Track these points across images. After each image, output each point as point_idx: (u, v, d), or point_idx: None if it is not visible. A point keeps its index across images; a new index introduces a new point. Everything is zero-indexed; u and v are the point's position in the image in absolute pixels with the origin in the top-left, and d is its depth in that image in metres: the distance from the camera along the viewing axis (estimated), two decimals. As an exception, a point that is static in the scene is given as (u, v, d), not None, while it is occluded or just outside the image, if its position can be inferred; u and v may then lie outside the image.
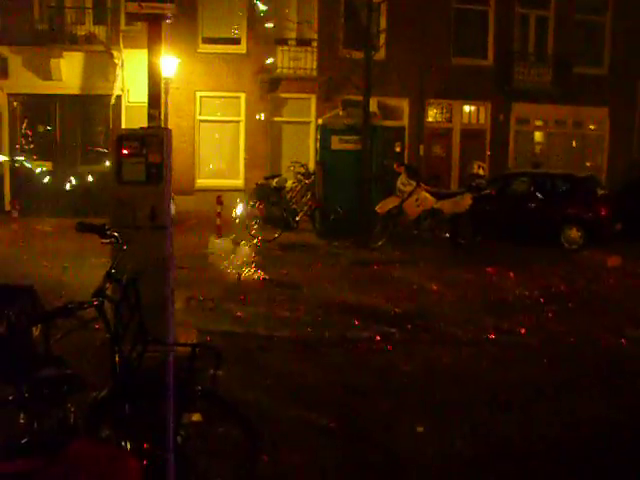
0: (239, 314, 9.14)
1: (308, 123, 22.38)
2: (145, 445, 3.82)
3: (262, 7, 20.14)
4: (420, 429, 5.62)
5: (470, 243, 15.38)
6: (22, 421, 3.27)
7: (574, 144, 24.89)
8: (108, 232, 3.85)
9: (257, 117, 21.76)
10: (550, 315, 9.65)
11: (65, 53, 20.47)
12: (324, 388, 6.50)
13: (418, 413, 5.94)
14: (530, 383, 6.79)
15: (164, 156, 6.47)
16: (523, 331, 8.79)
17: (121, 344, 3.55)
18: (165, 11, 6.65)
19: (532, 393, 6.52)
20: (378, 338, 8.24)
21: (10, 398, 3.35)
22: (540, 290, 11.19)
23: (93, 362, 4.81)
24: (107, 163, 20.70)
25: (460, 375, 7.02)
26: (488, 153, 23.57)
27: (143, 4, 6.61)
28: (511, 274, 12.32)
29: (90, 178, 20.40)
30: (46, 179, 20.66)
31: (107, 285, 3.51)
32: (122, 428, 3.74)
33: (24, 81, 20.64)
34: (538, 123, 24.74)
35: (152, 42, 6.99)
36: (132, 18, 7.13)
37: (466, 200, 15.44)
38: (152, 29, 6.93)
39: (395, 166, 16.20)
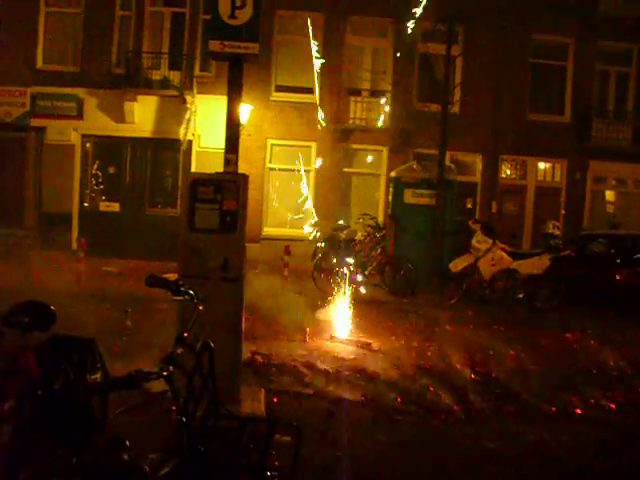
0: (306, 372, 8.64)
1: (379, 175, 22.04)
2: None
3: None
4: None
5: (547, 306, 14.64)
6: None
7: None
8: (182, 289, 3.42)
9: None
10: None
11: (139, 97, 20.70)
12: (401, 464, 5.92)
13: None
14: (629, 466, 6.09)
15: (240, 203, 6.10)
16: (614, 407, 8.07)
17: (190, 418, 3.09)
18: (249, 50, 6.35)
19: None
20: (456, 408, 7.63)
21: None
22: (626, 361, 10.40)
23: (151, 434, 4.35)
24: (175, 208, 20.87)
25: (550, 456, 6.36)
26: (563, 212, 22.79)
27: (226, 42, 6.31)
28: (592, 341, 11.56)
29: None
30: (113, 220, 20.74)
31: (178, 351, 3.06)
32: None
33: (98, 123, 20.95)
34: (615, 182, 23.88)
35: (232, 84, 6.68)
36: (214, 57, 6.83)
37: (544, 261, 14.76)
38: (233, 70, 6.63)
39: (470, 223, 15.63)
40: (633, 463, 6.40)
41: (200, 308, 3.36)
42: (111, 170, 21.64)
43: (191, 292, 3.43)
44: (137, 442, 3.38)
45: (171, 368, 2.91)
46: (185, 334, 3.14)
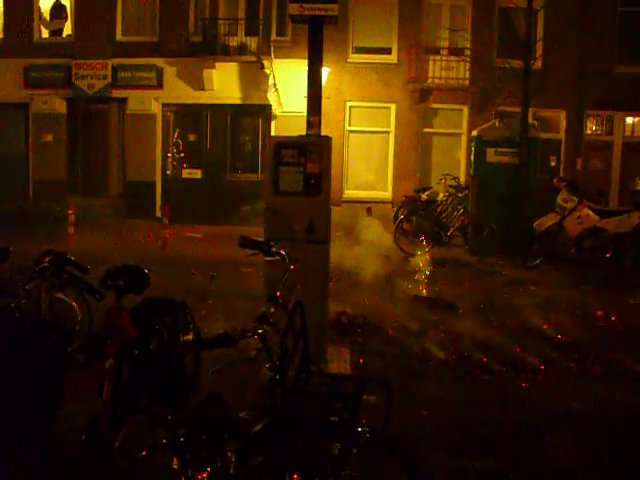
0: (390, 333, 8.68)
1: (459, 135, 21.72)
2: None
3: None
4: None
5: (636, 265, 14.22)
6: (175, 467, 2.91)
7: None
8: (273, 249, 3.47)
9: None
10: None
11: (217, 64, 20.85)
12: (489, 425, 5.89)
13: (599, 461, 5.25)
14: None
15: (323, 166, 6.12)
16: None
17: (283, 376, 3.15)
18: (328, 12, 6.31)
19: None
20: (543, 368, 7.55)
21: (164, 441, 3.01)
22: None
23: (242, 391, 4.44)
24: (256, 173, 21.07)
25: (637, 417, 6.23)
26: (653, 168, 22.02)
27: (305, 5, 6.29)
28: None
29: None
30: (195, 187, 21.10)
31: (272, 310, 3.11)
32: (276, 466, 3.34)
33: (178, 91, 21.25)
34: None
35: (313, 46, 6.66)
36: (294, 21, 6.81)
37: (633, 219, 14.28)
38: (313, 32, 6.60)
39: (555, 181, 15.23)
40: None
41: (292, 268, 3.41)
42: (192, 138, 21.93)
43: (282, 252, 3.48)
44: (231, 400, 3.48)
45: (265, 326, 2.98)
46: (277, 293, 3.19)
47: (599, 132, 22.41)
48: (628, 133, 22.43)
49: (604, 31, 21.31)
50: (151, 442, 3.29)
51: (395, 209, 18.41)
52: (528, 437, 5.67)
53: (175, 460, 2.92)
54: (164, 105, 21.71)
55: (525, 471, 5.09)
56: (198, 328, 4.25)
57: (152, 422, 3.52)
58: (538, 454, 5.35)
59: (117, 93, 21.46)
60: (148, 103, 21.49)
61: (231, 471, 2.97)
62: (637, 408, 6.50)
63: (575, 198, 14.45)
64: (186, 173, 21.74)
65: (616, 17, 21.65)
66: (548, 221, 14.52)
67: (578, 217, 14.37)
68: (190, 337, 4.08)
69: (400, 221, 16.41)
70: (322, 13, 6.39)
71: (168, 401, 3.77)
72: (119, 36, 21.65)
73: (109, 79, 21.33)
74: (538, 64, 18.49)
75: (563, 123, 22.01)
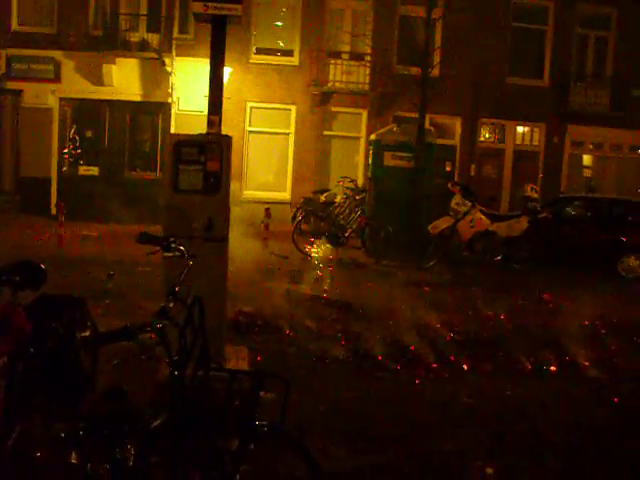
0: (288, 332, 8.77)
1: (358, 138, 22.08)
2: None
3: None
4: (490, 471, 5.17)
5: (524, 268, 14.85)
6: (74, 461, 2.90)
7: (629, 169, 24.12)
8: (173, 245, 3.50)
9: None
10: (614, 348, 9.11)
11: (118, 59, 20.49)
12: (382, 421, 6.07)
13: (485, 452, 5.49)
14: (601, 425, 6.29)
15: (223, 164, 6.16)
16: (587, 364, 8.27)
17: (182, 371, 3.19)
18: (232, 12, 6.35)
19: (604, 435, 6.03)
20: (435, 366, 7.81)
21: (62, 435, 2.99)
22: (600, 320, 10.63)
23: (139, 387, 4.44)
24: (155, 171, 20.80)
25: (526, 412, 6.54)
26: (541, 175, 22.99)
27: (209, 4, 6.31)
28: (568, 302, 11.76)
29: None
30: (92, 184, 20.65)
31: (171, 305, 3.14)
32: (175, 460, 3.37)
33: (76, 85, 20.74)
34: (593, 146, 24.05)
35: (215, 45, 6.68)
36: (197, 19, 6.81)
37: (522, 223, 14.95)
38: (216, 31, 6.63)
39: (449, 185, 15.75)
40: (596, 412, 6.61)
41: (190, 263, 3.45)
42: (89, 134, 21.45)
43: (181, 248, 3.51)
44: (131, 395, 3.49)
45: (164, 321, 3.01)
46: (176, 288, 3.23)
47: (492, 140, 23.27)
48: (519, 141, 23.39)
49: (498, 44, 22.16)
50: (48, 438, 3.26)
51: (294, 210, 18.54)
52: (421, 432, 5.87)
53: (74, 454, 2.91)
54: (61, 99, 21.11)
55: (419, 465, 5.27)
56: (95, 325, 4.21)
57: (49, 419, 3.48)
58: (431, 448, 5.54)
59: (11, 85, 20.76)
60: (44, 97, 20.85)
61: (130, 464, 2.98)
62: (523, 401, 6.83)
63: (468, 202, 14.97)
64: (83, 170, 21.25)
65: (509, 32, 22.52)
66: (442, 224, 14.98)
67: (471, 221, 14.90)
68: (87, 334, 4.03)
69: (298, 222, 16.57)
70: (226, 12, 6.42)
71: (65, 398, 3.73)
72: (15, 26, 20.91)
73: (3, 70, 20.61)
74: (436, 72, 19.00)
75: (458, 130, 22.72)
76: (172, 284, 3.28)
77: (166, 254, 3.54)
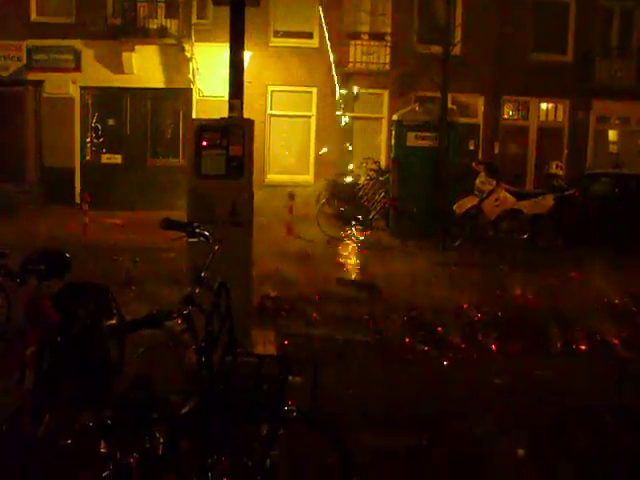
0: (314, 316, 8.74)
1: (380, 119, 21.92)
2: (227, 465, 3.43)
3: None
4: (521, 452, 5.12)
5: (551, 246, 14.68)
6: (103, 450, 2.88)
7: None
8: (197, 230, 3.46)
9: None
10: (643, 325, 9.00)
11: (137, 47, 20.47)
12: (411, 404, 6.03)
13: (516, 434, 5.43)
14: (633, 405, 6.19)
15: (246, 149, 6.11)
16: (617, 343, 8.17)
17: (210, 357, 3.15)
18: (251, -6, 6.30)
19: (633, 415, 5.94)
20: (463, 346, 7.74)
21: (90, 424, 2.97)
22: (631, 298, 10.49)
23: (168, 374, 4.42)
24: (177, 157, 20.83)
25: (559, 391, 6.46)
26: (566, 152, 22.70)
27: (228, -13, 6.26)
28: (597, 280, 11.59)
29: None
30: (115, 172, 20.73)
31: (197, 291, 3.11)
32: (204, 447, 3.35)
33: (96, 74, 20.74)
34: (619, 121, 23.70)
35: (234, 29, 6.62)
36: (215, 2, 6.75)
37: (548, 201, 14.77)
38: (235, 15, 6.56)
39: (474, 164, 15.60)
40: (629, 392, 6.50)
41: (216, 248, 3.41)
42: (111, 122, 21.50)
43: (206, 233, 3.47)
44: (159, 383, 3.46)
45: (190, 307, 2.97)
46: (202, 274, 3.19)
47: (515, 117, 23.00)
48: (543, 118, 23.10)
49: (520, 20, 21.80)
50: (77, 428, 3.24)
51: (317, 193, 18.47)
52: (450, 414, 5.82)
53: (102, 443, 2.90)
54: (82, 88, 21.15)
55: (449, 448, 5.22)
56: (121, 312, 4.20)
57: (77, 408, 3.48)
58: (461, 430, 5.49)
59: (33, 76, 20.79)
60: (66, 86, 20.90)
61: (159, 453, 2.96)
62: (552, 382, 6.74)
63: (493, 181, 14.83)
64: (105, 158, 21.33)
65: (531, 6, 22.17)
66: (467, 204, 14.86)
67: (496, 200, 14.76)
68: (114, 322, 4.03)
69: (322, 205, 16.51)
70: (244, -5, 6.37)
71: (92, 387, 3.73)
72: (34, 16, 20.92)
73: (24, 61, 20.66)
74: (457, 50, 18.77)
75: (481, 108, 22.47)
76: (198, 270, 3.24)
77: (191, 239, 3.51)
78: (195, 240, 3.50)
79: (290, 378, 3.51)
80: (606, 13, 22.81)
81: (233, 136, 6.07)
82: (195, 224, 3.52)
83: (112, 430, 2.83)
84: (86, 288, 4.22)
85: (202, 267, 3.25)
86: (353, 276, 11.12)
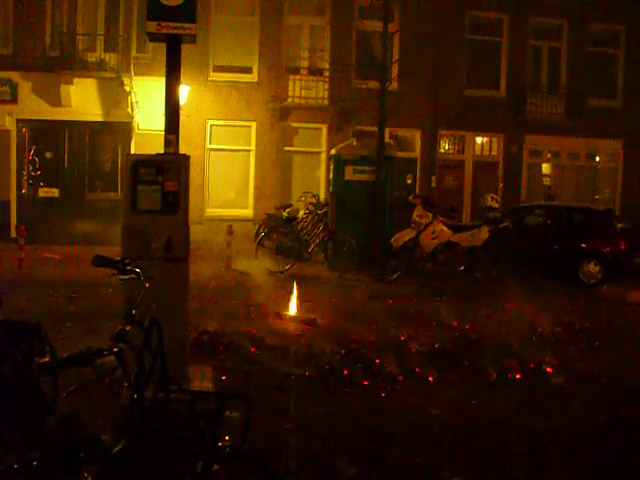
0: (253, 350, 8.74)
1: (319, 153, 22.13)
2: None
3: None
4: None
5: (487, 277, 14.99)
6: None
7: (586, 176, 24.53)
8: (128, 267, 3.48)
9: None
10: (576, 354, 9.24)
11: (75, 79, 20.31)
12: (350, 434, 6.08)
13: (453, 464, 5.51)
14: (566, 429, 6.35)
15: (181, 184, 6.14)
16: (550, 371, 8.37)
17: (142, 394, 3.16)
18: (186, 31, 6.35)
19: (571, 441, 6.09)
20: (401, 378, 7.83)
21: (15, 467, 2.93)
22: (562, 327, 10.79)
23: (101, 412, 4.39)
24: (116, 191, 20.64)
25: (493, 420, 6.59)
26: (501, 185, 23.25)
27: (163, 23, 6.30)
28: (531, 310, 11.89)
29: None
30: (52, 206, 20.43)
31: (127, 328, 3.12)
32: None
33: (33, 107, 20.49)
34: (551, 155, 24.41)
35: (170, 64, 6.66)
36: (151, 39, 6.79)
37: (483, 233, 15.09)
38: (171, 51, 6.61)
39: (411, 198, 15.88)
40: (561, 418, 6.67)
41: (147, 285, 3.42)
42: (49, 155, 21.21)
43: (137, 270, 3.48)
44: (90, 421, 3.45)
45: (121, 345, 2.98)
46: (133, 311, 3.20)
47: (452, 151, 23.49)
48: (478, 152, 23.65)
49: (455, 56, 22.42)
50: (1, 469, 3.19)
51: (256, 226, 18.51)
52: (389, 445, 5.88)
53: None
54: (19, 121, 20.82)
55: (387, 476, 5.28)
56: (54, 350, 4.16)
57: (4, 449, 3.43)
58: (399, 461, 5.55)
59: (-33, 107, 20.48)
60: (2, 119, 20.58)
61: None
62: (488, 410, 6.87)
63: (430, 214, 15.09)
64: (43, 192, 21.00)
65: (465, 44, 22.80)
66: (405, 236, 15.08)
67: (433, 232, 15.02)
68: (46, 359, 3.99)
69: (261, 238, 16.55)
70: (180, 32, 6.41)
71: (23, 426, 3.68)
72: (-31, 47, 20.68)
73: (-42, 92, 20.35)
74: (394, 85, 19.17)
75: (418, 142, 22.89)
76: (129, 307, 3.26)
77: (122, 277, 3.52)
78: (126, 277, 3.51)
79: (227, 413, 3.52)
80: (536, 51, 23.60)
81: (169, 172, 6.10)
82: (127, 261, 3.53)
83: (39, 472, 2.80)
84: (17, 326, 4.17)
85: (133, 304, 3.27)
86: (292, 310, 11.14)
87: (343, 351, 8.80)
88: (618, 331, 10.97)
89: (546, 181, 24.39)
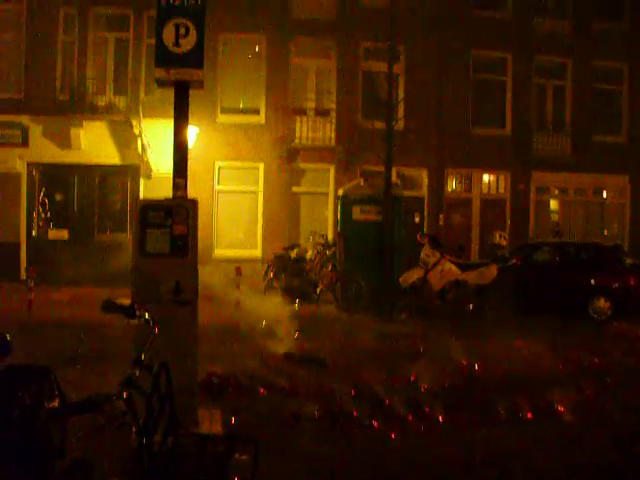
0: (262, 391, 8.72)
1: (326, 194, 22.23)
2: None
3: None
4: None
5: (496, 315, 14.93)
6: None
7: (594, 212, 24.56)
8: (138, 312, 3.52)
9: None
10: (588, 392, 9.16)
11: (85, 122, 20.61)
12: (359, 476, 6.05)
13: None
14: (580, 468, 6.29)
15: (190, 228, 6.21)
16: (562, 409, 8.31)
17: (151, 438, 3.18)
18: (194, 77, 6.47)
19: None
20: (411, 418, 7.79)
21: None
22: (574, 364, 10.72)
23: (109, 456, 4.39)
24: (125, 233, 20.74)
25: (505, 462, 6.53)
26: (509, 222, 23.28)
27: (171, 70, 6.43)
28: (541, 347, 11.83)
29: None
30: (62, 248, 20.54)
31: (136, 373, 3.15)
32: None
33: (44, 150, 20.75)
34: (558, 192, 24.47)
35: (178, 109, 6.78)
36: (160, 85, 6.92)
37: (491, 271, 15.09)
38: (179, 96, 6.73)
39: (418, 237, 15.93)
40: (574, 458, 6.60)
41: (156, 330, 3.46)
42: (59, 197, 21.42)
43: (146, 316, 3.52)
44: (98, 465, 3.46)
45: (130, 390, 3.01)
46: (142, 356, 3.23)
47: (459, 189, 23.58)
48: (485, 190, 23.72)
49: (460, 95, 22.63)
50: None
51: (265, 267, 18.55)
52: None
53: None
54: (29, 164, 21.08)
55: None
56: (63, 394, 4.18)
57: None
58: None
59: (-21, 151, 20.71)
60: (12, 162, 20.83)
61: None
62: (498, 450, 6.82)
63: (437, 253, 15.12)
64: (52, 234, 21.15)
65: (470, 83, 23.02)
66: (413, 276, 15.09)
67: (441, 271, 15.02)
68: (55, 404, 4.01)
69: (270, 279, 16.58)
70: (187, 78, 6.54)
71: (32, 471, 3.69)
72: (-19, 91, 21.00)
73: (-31, 136, 20.59)
74: (400, 125, 19.34)
75: (425, 181, 22.99)
76: (138, 352, 3.29)
77: (131, 322, 3.56)
78: (136, 322, 3.55)
79: (236, 456, 3.54)
80: (540, 89, 23.80)
81: (177, 216, 6.18)
82: (135, 306, 3.57)
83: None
84: (27, 370, 4.20)
85: (142, 349, 3.30)
86: (301, 350, 11.12)
87: (352, 391, 8.77)
88: (630, 368, 10.88)
89: (554, 217, 24.43)
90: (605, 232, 24.12)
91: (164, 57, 6.55)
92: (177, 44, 6.45)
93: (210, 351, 10.21)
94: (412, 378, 9.58)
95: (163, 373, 3.31)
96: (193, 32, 6.48)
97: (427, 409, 8.11)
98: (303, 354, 10.91)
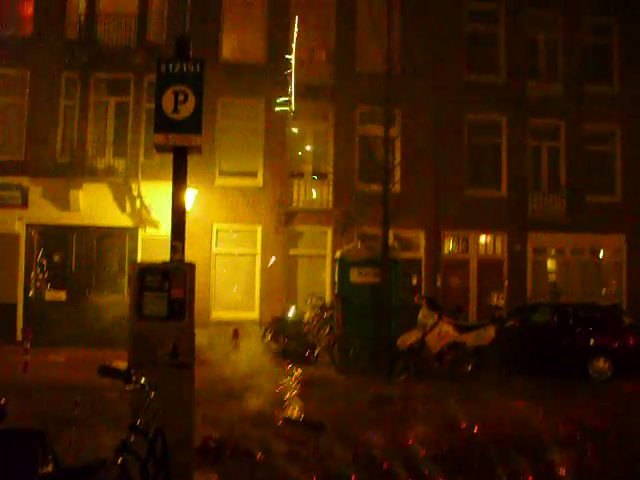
0: (259, 457, 8.62)
1: (324, 256, 22.27)
2: None
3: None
4: None
5: (495, 376, 14.85)
6: None
7: (591, 272, 24.58)
8: (134, 377, 3.52)
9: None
10: (590, 454, 9.06)
11: (85, 184, 20.78)
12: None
13: None
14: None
15: (187, 291, 6.23)
16: (563, 472, 8.20)
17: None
18: (192, 143, 6.58)
19: None
20: (410, 483, 7.70)
21: None
22: (575, 425, 10.62)
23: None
24: (122, 294, 20.71)
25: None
26: (506, 283, 23.28)
27: (170, 136, 6.54)
28: (541, 409, 11.74)
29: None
30: (59, 309, 20.48)
31: (131, 439, 3.14)
32: None
33: (43, 211, 20.88)
34: (555, 252, 24.54)
35: (177, 174, 6.87)
36: (159, 150, 7.03)
37: (489, 332, 15.06)
38: (177, 161, 6.83)
39: (416, 299, 15.99)
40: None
41: (152, 395, 3.46)
42: (56, 258, 21.43)
43: (142, 381, 3.52)
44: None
45: (125, 455, 3.00)
46: (137, 422, 3.23)
47: (456, 250, 23.64)
48: (482, 251, 23.78)
49: (456, 158, 22.89)
50: None
51: (263, 329, 18.49)
52: None
53: None
54: (28, 225, 21.15)
55: None
56: (58, 459, 4.15)
57: None
58: None
59: (-22, 212, 20.79)
60: (12, 223, 20.89)
61: None
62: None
63: (435, 314, 15.10)
64: (50, 294, 21.10)
65: (465, 146, 23.32)
66: (411, 337, 15.05)
67: (439, 333, 14.99)
68: (49, 469, 3.98)
69: (268, 341, 16.53)
70: (186, 144, 6.65)
71: None
72: (-18, 153, 21.19)
73: (-31, 196, 20.71)
74: (397, 188, 19.51)
75: (422, 243, 23.07)
76: (133, 417, 3.29)
77: (127, 387, 3.56)
78: (132, 387, 3.55)
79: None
80: (535, 151, 24.10)
81: (175, 279, 6.21)
82: (132, 371, 3.58)
83: None
84: (21, 434, 4.18)
85: (138, 414, 3.29)
86: (299, 414, 11.02)
87: (351, 455, 8.67)
88: (631, 428, 10.78)
89: (551, 278, 24.46)
90: (603, 291, 24.09)
91: (163, 123, 6.66)
92: (176, 110, 6.57)
93: (207, 414, 10.12)
94: (410, 442, 9.49)
95: (159, 438, 3.29)
96: (192, 98, 6.62)
97: (426, 472, 8.02)
98: (301, 418, 10.81)
